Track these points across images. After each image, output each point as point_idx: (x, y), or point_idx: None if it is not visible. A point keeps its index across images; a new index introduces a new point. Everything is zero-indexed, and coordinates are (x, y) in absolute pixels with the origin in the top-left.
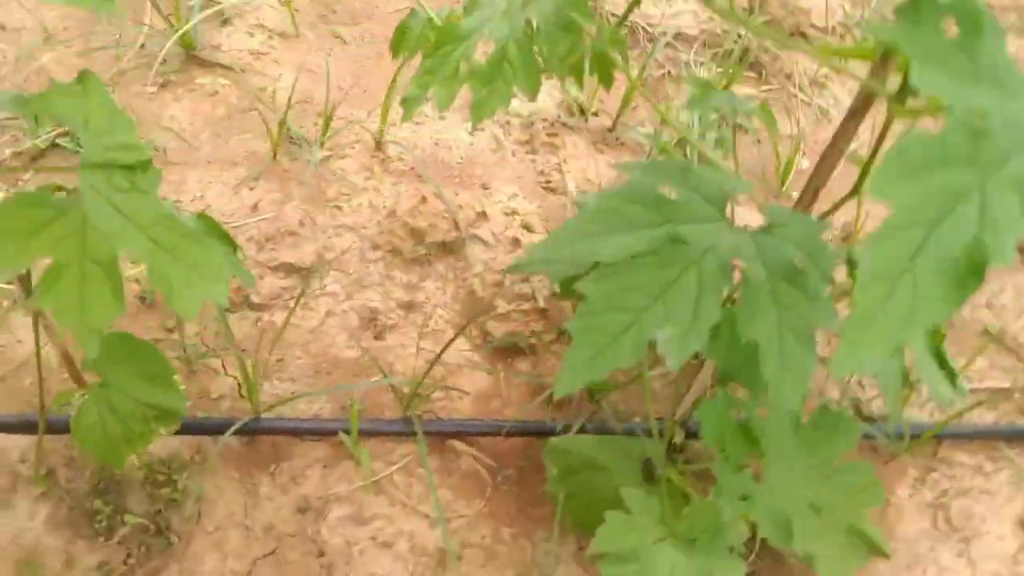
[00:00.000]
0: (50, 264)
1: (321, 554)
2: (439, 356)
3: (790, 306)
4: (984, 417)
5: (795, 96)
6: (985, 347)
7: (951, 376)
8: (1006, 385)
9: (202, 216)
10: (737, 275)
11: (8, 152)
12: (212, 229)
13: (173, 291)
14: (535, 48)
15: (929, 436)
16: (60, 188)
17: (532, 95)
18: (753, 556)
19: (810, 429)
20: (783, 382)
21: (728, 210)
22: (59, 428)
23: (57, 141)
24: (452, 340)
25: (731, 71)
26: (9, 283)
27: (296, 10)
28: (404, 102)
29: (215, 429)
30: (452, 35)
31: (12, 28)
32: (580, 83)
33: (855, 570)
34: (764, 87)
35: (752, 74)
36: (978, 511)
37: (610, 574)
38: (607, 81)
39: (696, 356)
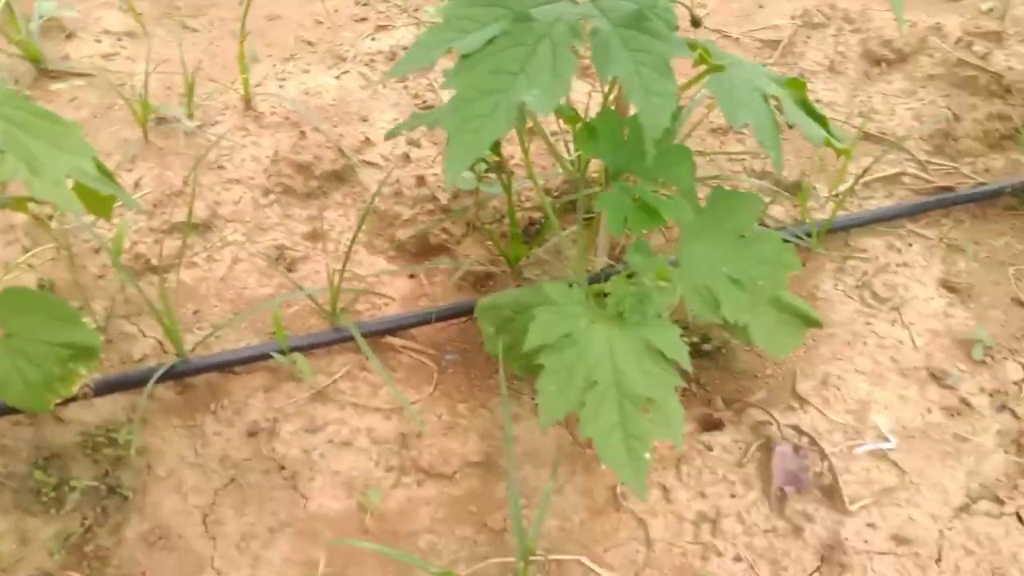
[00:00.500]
0: None
1: (281, 467)
2: (346, 261)
3: (641, 47)
4: (883, 204)
5: None
6: (859, 139)
7: (821, 121)
8: (896, 171)
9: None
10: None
11: None
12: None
13: (36, 164)
14: None
15: (829, 224)
16: None
17: None
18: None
19: (711, 210)
20: (650, 105)
21: None
22: None
23: None
24: (352, 242)
25: None
26: None
27: (139, 13)
28: None
29: (144, 379)
30: None
31: None
32: None
33: (795, 343)
34: None
35: None
36: (900, 282)
37: (552, 362)
38: None
39: (590, 212)
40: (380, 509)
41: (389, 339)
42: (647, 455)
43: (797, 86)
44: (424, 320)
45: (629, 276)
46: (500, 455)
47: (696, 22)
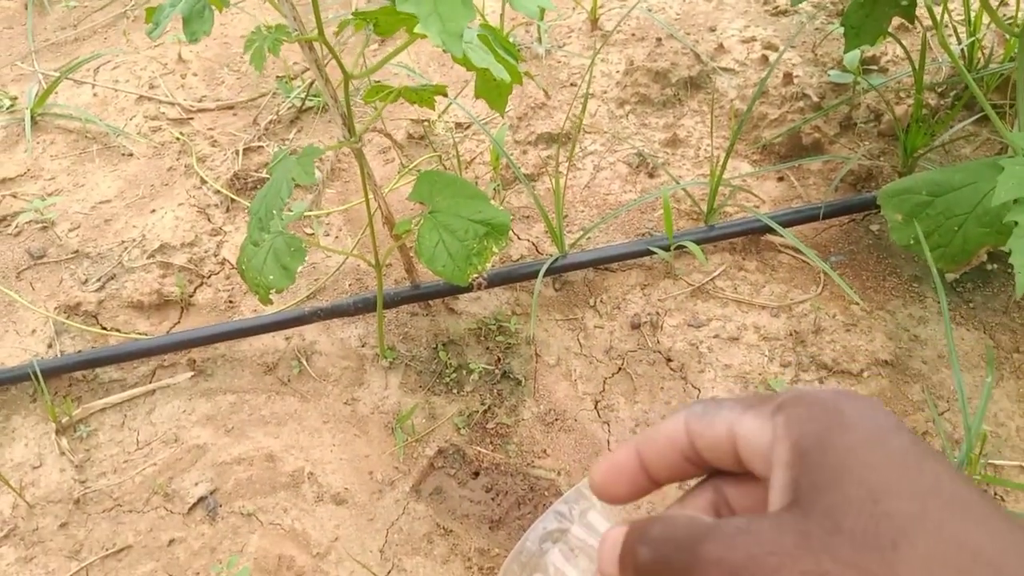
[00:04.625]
0: None
1: (668, 360)
2: (725, 163)
3: None
4: None
5: None
6: None
7: None
8: None
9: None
10: None
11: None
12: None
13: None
14: None
15: None
16: None
17: None
18: None
19: None
20: None
21: None
22: (387, 303)
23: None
24: (732, 141)
25: None
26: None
27: None
28: None
29: (527, 275)
30: None
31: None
32: None
33: None
34: None
35: None
36: None
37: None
38: None
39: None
40: None
41: (769, 238)
42: None
43: None
44: (811, 216)
45: None
46: (910, 356)
47: None
